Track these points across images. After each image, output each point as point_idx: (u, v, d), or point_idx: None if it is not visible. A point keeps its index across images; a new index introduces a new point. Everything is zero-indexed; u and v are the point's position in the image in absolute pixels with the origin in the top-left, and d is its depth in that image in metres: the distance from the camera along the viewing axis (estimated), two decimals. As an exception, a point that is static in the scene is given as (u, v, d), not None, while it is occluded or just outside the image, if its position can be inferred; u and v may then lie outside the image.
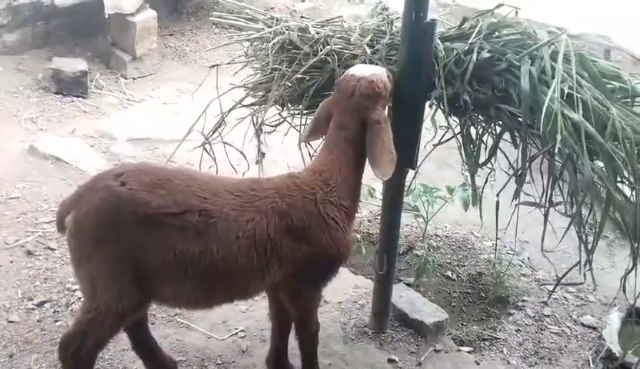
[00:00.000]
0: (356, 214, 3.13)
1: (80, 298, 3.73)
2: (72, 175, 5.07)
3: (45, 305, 3.79)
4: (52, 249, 4.24)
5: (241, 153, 3.67)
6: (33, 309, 3.76)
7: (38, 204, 4.68)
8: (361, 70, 2.97)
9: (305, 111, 3.45)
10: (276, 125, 3.60)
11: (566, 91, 2.78)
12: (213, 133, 3.64)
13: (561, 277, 3.20)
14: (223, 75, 3.58)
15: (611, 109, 2.78)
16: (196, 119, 3.56)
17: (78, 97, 6.36)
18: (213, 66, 3.58)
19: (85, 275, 2.79)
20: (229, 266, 2.76)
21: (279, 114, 3.59)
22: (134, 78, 6.94)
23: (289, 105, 3.45)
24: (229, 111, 3.59)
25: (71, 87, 6.36)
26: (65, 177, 5.05)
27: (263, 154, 3.67)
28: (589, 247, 2.98)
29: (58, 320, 3.68)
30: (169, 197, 2.70)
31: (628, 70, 3.13)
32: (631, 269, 2.92)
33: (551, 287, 4.49)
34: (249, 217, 2.76)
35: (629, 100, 2.96)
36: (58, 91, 6.34)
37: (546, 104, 2.71)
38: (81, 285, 2.89)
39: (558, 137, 2.68)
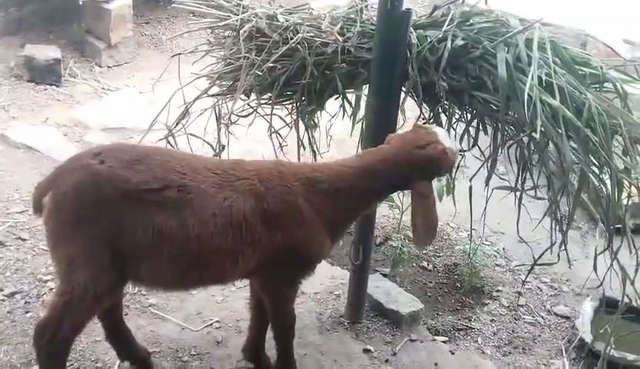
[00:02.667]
0: (342, 232, 3.14)
1: (51, 289, 3.68)
2: (44, 164, 4.97)
3: (16, 296, 3.72)
4: (24, 239, 4.16)
5: (209, 144, 3.62)
6: (3, 300, 3.68)
7: (9, 193, 4.59)
8: (445, 136, 2.87)
9: (275, 100, 3.42)
10: (246, 115, 3.57)
11: (544, 77, 2.80)
12: (177, 125, 3.59)
13: (537, 260, 3.22)
14: (190, 63, 3.54)
15: (587, 94, 2.81)
16: (160, 110, 3.51)
17: (51, 85, 6.25)
18: (174, 56, 3.54)
19: (62, 257, 2.74)
20: (204, 244, 2.72)
21: (248, 104, 3.54)
22: (109, 67, 6.84)
23: (259, 94, 3.42)
24: (193, 101, 3.54)
25: (45, 75, 6.25)
26: (37, 166, 4.96)
27: (223, 147, 3.63)
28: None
29: (28, 312, 3.61)
30: (149, 173, 2.68)
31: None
32: (604, 250, 2.95)
33: (523, 274, 4.54)
34: (226, 194, 2.74)
35: (598, 86, 2.99)
36: (31, 78, 6.23)
37: (526, 91, 2.73)
38: (58, 267, 2.82)
39: (538, 122, 2.70)
